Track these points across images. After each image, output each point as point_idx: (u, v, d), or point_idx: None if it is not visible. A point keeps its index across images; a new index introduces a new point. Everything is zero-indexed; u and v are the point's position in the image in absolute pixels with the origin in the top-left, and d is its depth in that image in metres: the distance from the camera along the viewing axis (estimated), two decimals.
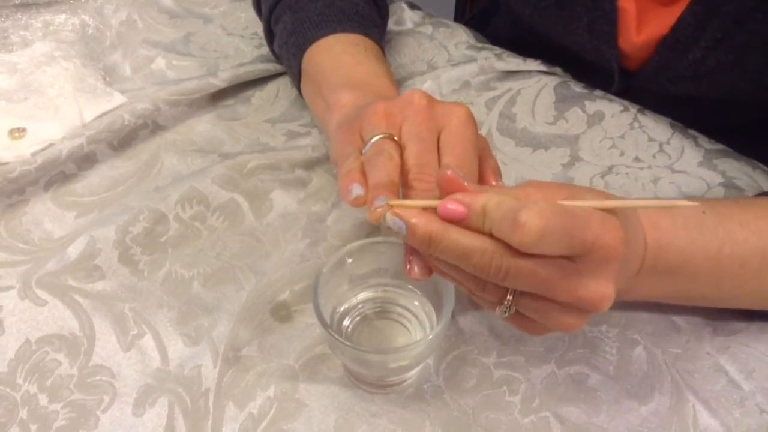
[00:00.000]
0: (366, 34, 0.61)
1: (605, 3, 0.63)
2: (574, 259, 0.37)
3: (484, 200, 0.37)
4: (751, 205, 0.49)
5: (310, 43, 0.60)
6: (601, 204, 0.38)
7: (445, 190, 0.38)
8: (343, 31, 0.60)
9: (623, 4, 0.63)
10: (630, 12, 0.63)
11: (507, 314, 0.40)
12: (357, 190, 0.41)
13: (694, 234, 0.46)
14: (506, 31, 0.83)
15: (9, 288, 0.54)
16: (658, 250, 0.45)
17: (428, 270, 0.41)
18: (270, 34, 0.67)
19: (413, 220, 0.37)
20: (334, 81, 0.56)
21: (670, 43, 0.62)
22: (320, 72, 0.58)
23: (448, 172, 0.38)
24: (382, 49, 0.63)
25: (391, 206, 0.38)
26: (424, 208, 0.38)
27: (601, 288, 0.38)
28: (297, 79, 0.62)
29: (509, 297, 0.39)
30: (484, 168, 0.46)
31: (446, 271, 0.40)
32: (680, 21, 0.60)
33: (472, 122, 0.45)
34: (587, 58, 0.69)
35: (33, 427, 0.48)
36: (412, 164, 0.42)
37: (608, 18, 0.63)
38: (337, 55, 0.58)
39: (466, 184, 0.38)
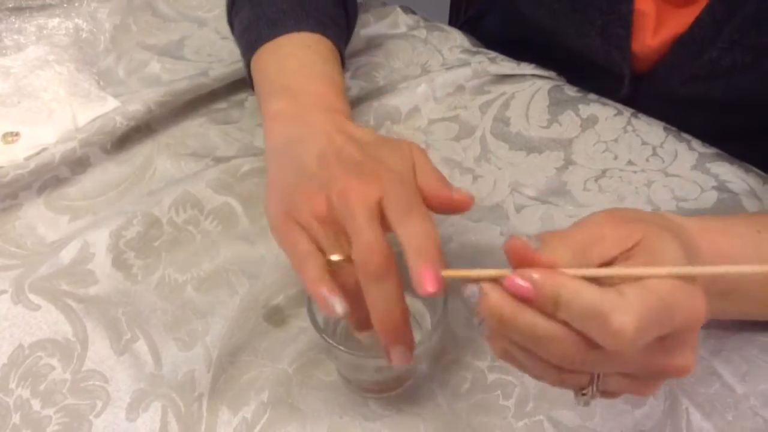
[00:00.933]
0: (323, 33, 0.58)
1: (622, 6, 0.62)
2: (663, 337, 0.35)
3: (557, 287, 0.33)
4: None
5: (261, 44, 0.57)
6: (686, 271, 0.34)
7: (514, 262, 0.35)
8: (298, 29, 0.57)
9: (641, 7, 0.63)
10: (649, 15, 0.63)
11: (588, 402, 0.37)
12: (339, 306, 0.40)
13: (749, 252, 0.44)
14: (501, 33, 0.83)
15: (2, 292, 0.54)
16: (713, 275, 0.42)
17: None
18: (231, 24, 0.65)
19: (486, 290, 0.34)
20: (272, 87, 0.54)
21: (687, 43, 0.62)
22: (262, 76, 0.56)
23: (518, 242, 0.34)
24: (341, 51, 0.60)
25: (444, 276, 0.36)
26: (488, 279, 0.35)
27: (687, 359, 0.36)
28: (250, 81, 0.60)
29: (593, 386, 0.36)
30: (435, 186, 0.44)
31: (518, 357, 0.37)
32: (698, 20, 0.60)
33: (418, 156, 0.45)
34: (595, 62, 0.69)
35: None
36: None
37: (623, 21, 0.63)
38: (283, 57, 0.56)
39: (538, 253, 0.34)
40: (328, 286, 0.40)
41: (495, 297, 0.34)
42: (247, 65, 0.59)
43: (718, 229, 0.45)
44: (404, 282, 0.49)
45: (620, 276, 0.34)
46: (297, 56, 0.56)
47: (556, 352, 0.34)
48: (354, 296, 0.40)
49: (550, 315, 0.33)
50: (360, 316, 0.41)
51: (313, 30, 0.57)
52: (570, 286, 0.33)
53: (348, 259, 0.41)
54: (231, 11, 0.63)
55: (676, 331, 0.34)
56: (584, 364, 0.34)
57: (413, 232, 0.39)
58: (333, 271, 0.41)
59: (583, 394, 0.37)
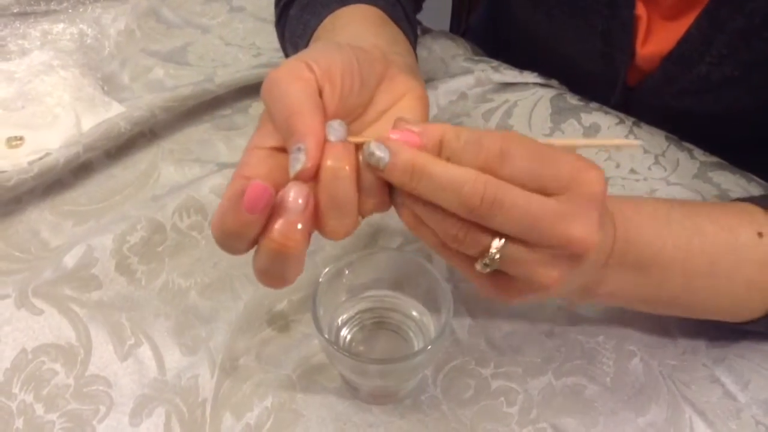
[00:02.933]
0: (396, 20, 0.54)
1: (623, 11, 0.63)
2: (557, 198, 0.35)
3: (441, 130, 0.35)
4: (722, 206, 0.48)
5: (328, 14, 0.52)
6: (553, 142, 0.37)
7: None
8: (374, 3, 0.53)
9: (638, 12, 0.63)
10: (642, 21, 0.63)
11: (489, 268, 0.37)
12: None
13: (662, 225, 0.44)
14: (489, 36, 0.83)
15: (5, 297, 0.54)
16: (626, 242, 0.43)
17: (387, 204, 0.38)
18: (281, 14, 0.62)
19: (396, 148, 0.35)
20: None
21: (676, 58, 0.62)
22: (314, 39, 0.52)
23: (402, 122, 0.37)
24: (413, 46, 0.56)
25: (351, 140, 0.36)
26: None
27: (587, 229, 0.36)
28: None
29: (495, 246, 0.36)
30: None
31: (423, 214, 0.37)
32: (687, 36, 0.60)
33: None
34: (590, 68, 0.69)
35: None
36: None
37: (625, 26, 0.63)
38: (358, 22, 0.51)
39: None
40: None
41: (406, 152, 0.35)
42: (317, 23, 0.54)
43: (630, 201, 0.46)
44: (409, 288, 0.50)
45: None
46: (353, 24, 0.52)
47: (468, 193, 0.34)
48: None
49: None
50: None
51: (375, 3, 0.54)
52: (452, 129, 0.35)
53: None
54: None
55: (569, 190, 0.35)
56: (493, 203, 0.34)
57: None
58: None
59: (486, 263, 0.37)
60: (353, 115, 0.41)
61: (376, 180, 0.36)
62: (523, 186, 0.35)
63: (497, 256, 0.36)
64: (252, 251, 0.38)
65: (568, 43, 0.69)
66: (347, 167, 0.35)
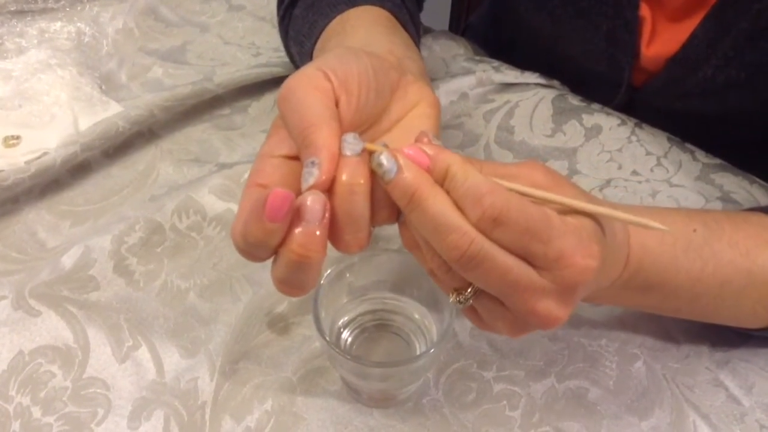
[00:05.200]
0: (398, 16, 0.54)
1: (627, 12, 0.62)
2: (539, 271, 0.35)
3: (450, 160, 0.34)
4: (743, 223, 0.48)
5: (336, 15, 0.52)
6: (574, 204, 0.36)
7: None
8: (382, 5, 0.53)
9: (643, 13, 0.62)
10: (647, 23, 0.63)
11: (462, 306, 0.38)
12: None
13: (679, 253, 0.44)
14: (491, 37, 0.82)
15: (2, 298, 0.53)
16: (638, 270, 0.43)
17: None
18: (284, 15, 0.61)
19: (406, 167, 0.34)
20: (329, 45, 0.50)
21: (681, 60, 0.61)
22: (322, 44, 0.52)
23: (424, 137, 0.36)
24: (413, 38, 0.54)
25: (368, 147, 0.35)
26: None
27: (557, 311, 0.36)
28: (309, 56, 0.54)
29: (470, 291, 0.37)
30: None
31: (417, 237, 0.37)
32: (692, 38, 0.60)
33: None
34: (594, 69, 0.69)
35: None
36: None
37: (629, 27, 0.63)
38: (369, 25, 0.51)
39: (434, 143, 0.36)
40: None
41: (412, 174, 0.34)
42: (310, 52, 0.54)
43: (656, 235, 0.44)
44: (411, 290, 0.49)
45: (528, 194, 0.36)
46: (384, 25, 0.52)
47: (452, 243, 0.34)
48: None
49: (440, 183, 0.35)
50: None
51: (382, 5, 0.54)
52: (461, 165, 0.34)
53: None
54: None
55: (553, 269, 0.35)
56: (472, 259, 0.34)
57: None
58: None
59: (459, 300, 0.37)
60: (367, 123, 0.40)
61: (387, 193, 0.36)
62: (508, 251, 0.34)
63: (470, 300, 0.37)
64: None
65: (572, 43, 0.69)
66: (362, 182, 0.35)
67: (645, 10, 0.62)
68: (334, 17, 0.52)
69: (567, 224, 0.35)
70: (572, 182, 0.39)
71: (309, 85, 0.37)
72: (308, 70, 0.37)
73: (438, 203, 0.34)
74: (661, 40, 0.63)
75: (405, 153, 0.35)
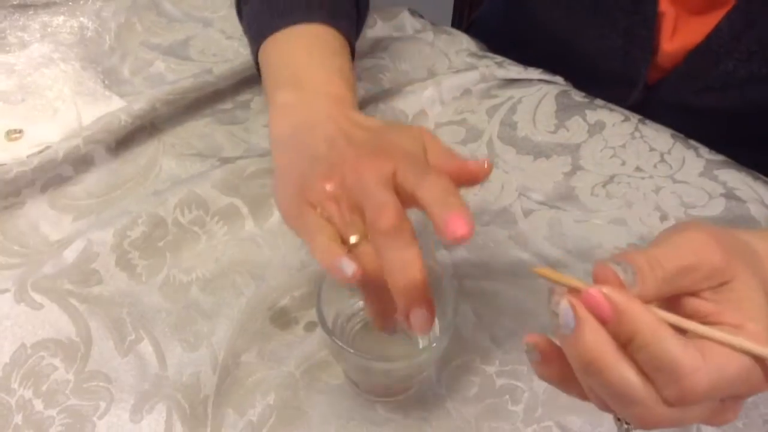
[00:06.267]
0: (334, 25, 0.56)
1: (646, 7, 0.62)
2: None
3: (639, 323, 0.30)
4: None
5: (270, 33, 0.55)
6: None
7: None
8: (309, 20, 0.55)
9: (663, 9, 0.62)
10: (669, 18, 0.62)
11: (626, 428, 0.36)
12: (348, 267, 0.38)
13: None
14: (505, 34, 0.82)
15: (4, 291, 0.53)
16: None
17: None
18: (240, 14, 0.64)
19: (586, 325, 0.30)
20: (280, 77, 0.53)
21: (703, 53, 0.61)
22: (270, 67, 0.55)
23: (608, 272, 0.32)
24: (351, 44, 0.58)
25: (539, 272, 0.32)
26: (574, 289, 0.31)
27: (731, 415, 0.34)
28: (258, 71, 0.58)
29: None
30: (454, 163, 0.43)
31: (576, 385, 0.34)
32: (716, 30, 0.59)
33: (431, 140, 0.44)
34: (609, 66, 0.69)
35: None
36: None
37: (648, 23, 0.63)
38: (292, 48, 0.55)
39: (627, 288, 0.31)
40: (338, 251, 0.39)
41: (593, 337, 0.30)
42: (255, 55, 0.58)
43: None
44: None
45: (701, 334, 0.32)
46: (306, 47, 0.54)
47: (633, 414, 0.31)
48: (375, 284, 0.39)
49: (622, 345, 0.31)
50: (380, 306, 0.40)
51: (323, 21, 0.56)
52: (651, 327, 0.30)
53: (365, 239, 0.39)
54: (240, 1, 0.63)
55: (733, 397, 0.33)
56: (648, 424, 0.32)
57: (433, 190, 0.38)
58: (352, 254, 0.40)
59: (627, 426, 0.35)
60: None
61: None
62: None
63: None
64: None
65: (588, 40, 0.68)
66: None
67: (666, 5, 0.62)
68: (281, 28, 0.55)
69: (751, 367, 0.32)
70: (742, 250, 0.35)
71: None
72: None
73: (623, 374, 0.30)
74: (683, 34, 0.62)
75: (585, 299, 0.31)
